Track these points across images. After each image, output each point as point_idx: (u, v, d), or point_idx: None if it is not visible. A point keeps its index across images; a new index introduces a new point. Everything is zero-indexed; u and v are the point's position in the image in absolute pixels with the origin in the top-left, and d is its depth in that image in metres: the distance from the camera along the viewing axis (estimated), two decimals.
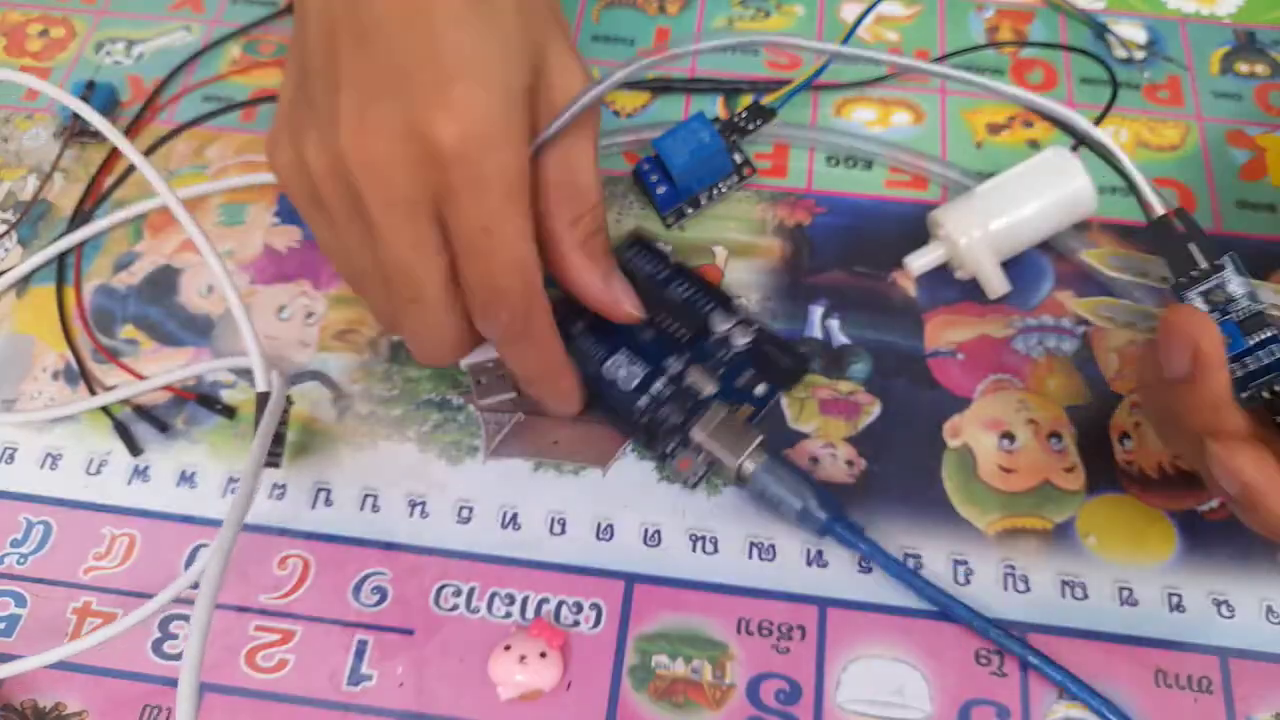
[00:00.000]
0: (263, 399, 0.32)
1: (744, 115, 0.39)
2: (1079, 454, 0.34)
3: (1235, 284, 0.23)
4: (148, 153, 0.40)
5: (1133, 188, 0.25)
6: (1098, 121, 0.41)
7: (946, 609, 0.30)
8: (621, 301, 0.32)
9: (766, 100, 0.39)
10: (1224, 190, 0.39)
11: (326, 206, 0.27)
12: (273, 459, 0.31)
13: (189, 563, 0.32)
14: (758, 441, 0.31)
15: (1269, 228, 0.38)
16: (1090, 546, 0.32)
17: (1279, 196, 0.38)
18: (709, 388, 0.33)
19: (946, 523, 0.32)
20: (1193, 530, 0.32)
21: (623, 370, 0.33)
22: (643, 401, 0.33)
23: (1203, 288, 0.23)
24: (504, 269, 0.27)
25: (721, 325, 0.34)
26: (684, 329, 0.34)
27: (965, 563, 0.32)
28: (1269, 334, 0.22)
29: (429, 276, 0.27)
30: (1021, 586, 0.31)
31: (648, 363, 0.33)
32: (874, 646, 0.31)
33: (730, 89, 0.41)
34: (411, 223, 0.26)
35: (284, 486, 0.34)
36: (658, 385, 0.33)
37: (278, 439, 0.32)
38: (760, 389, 0.34)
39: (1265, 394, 0.22)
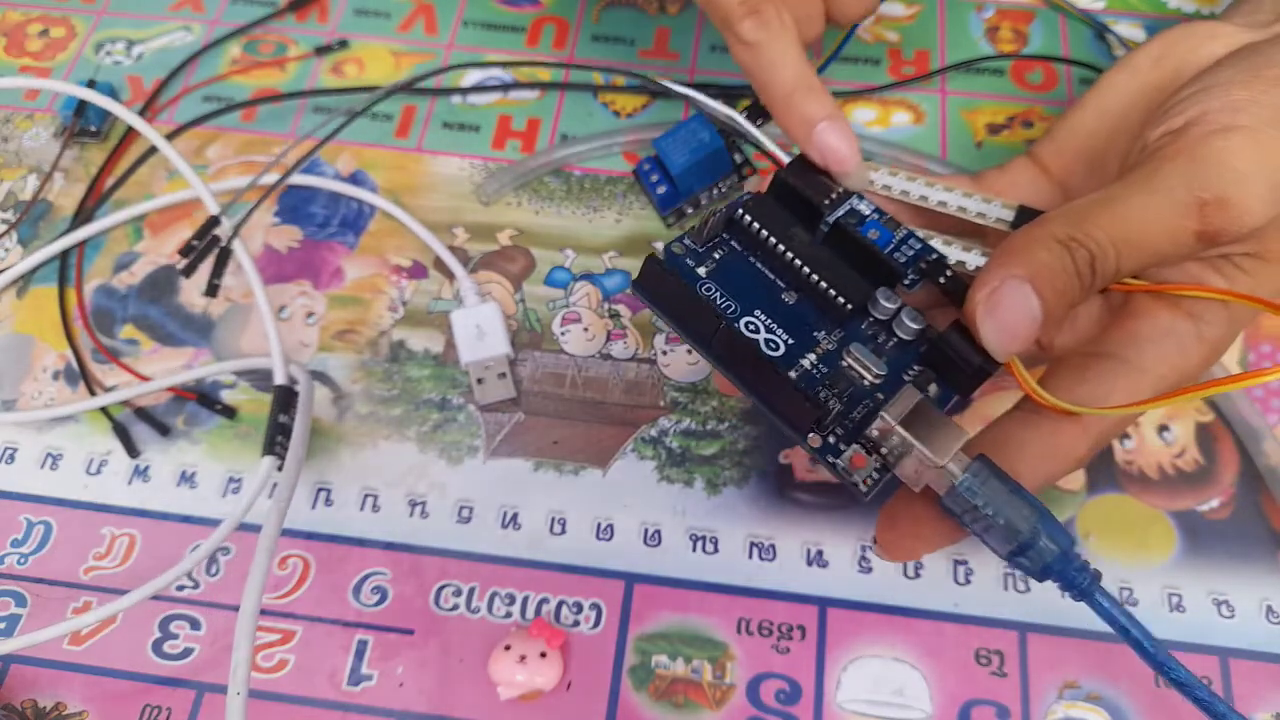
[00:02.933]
0: (281, 393, 0.32)
1: (744, 115, 0.39)
2: None
3: (863, 205, 0.28)
4: (149, 153, 0.40)
5: (761, 149, 0.31)
6: None
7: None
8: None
9: None
10: None
11: None
12: (281, 451, 0.31)
13: None
14: (965, 439, 0.23)
15: None
16: (1090, 546, 0.32)
17: None
18: (874, 373, 0.25)
19: None
20: (1193, 530, 0.32)
21: (762, 335, 0.25)
22: (792, 375, 0.25)
23: (840, 212, 0.28)
24: None
25: (887, 304, 0.26)
26: (844, 296, 0.26)
27: (965, 563, 0.32)
28: (905, 231, 0.28)
29: None
30: (1022, 586, 0.31)
31: (791, 332, 0.25)
32: (874, 646, 0.31)
33: (734, 94, 0.41)
34: None
35: None
36: (807, 361, 0.25)
37: (285, 433, 0.32)
38: (933, 390, 0.26)
39: (922, 267, 0.27)
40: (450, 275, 0.37)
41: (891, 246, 0.27)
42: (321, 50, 0.43)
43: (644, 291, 0.26)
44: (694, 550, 0.32)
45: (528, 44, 0.43)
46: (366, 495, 0.33)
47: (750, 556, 0.32)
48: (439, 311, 0.37)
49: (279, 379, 0.33)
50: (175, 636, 0.31)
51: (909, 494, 0.25)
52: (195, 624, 0.31)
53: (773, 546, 0.32)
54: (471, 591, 0.32)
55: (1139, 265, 0.24)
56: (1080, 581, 0.23)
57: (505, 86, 0.42)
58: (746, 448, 0.34)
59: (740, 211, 0.27)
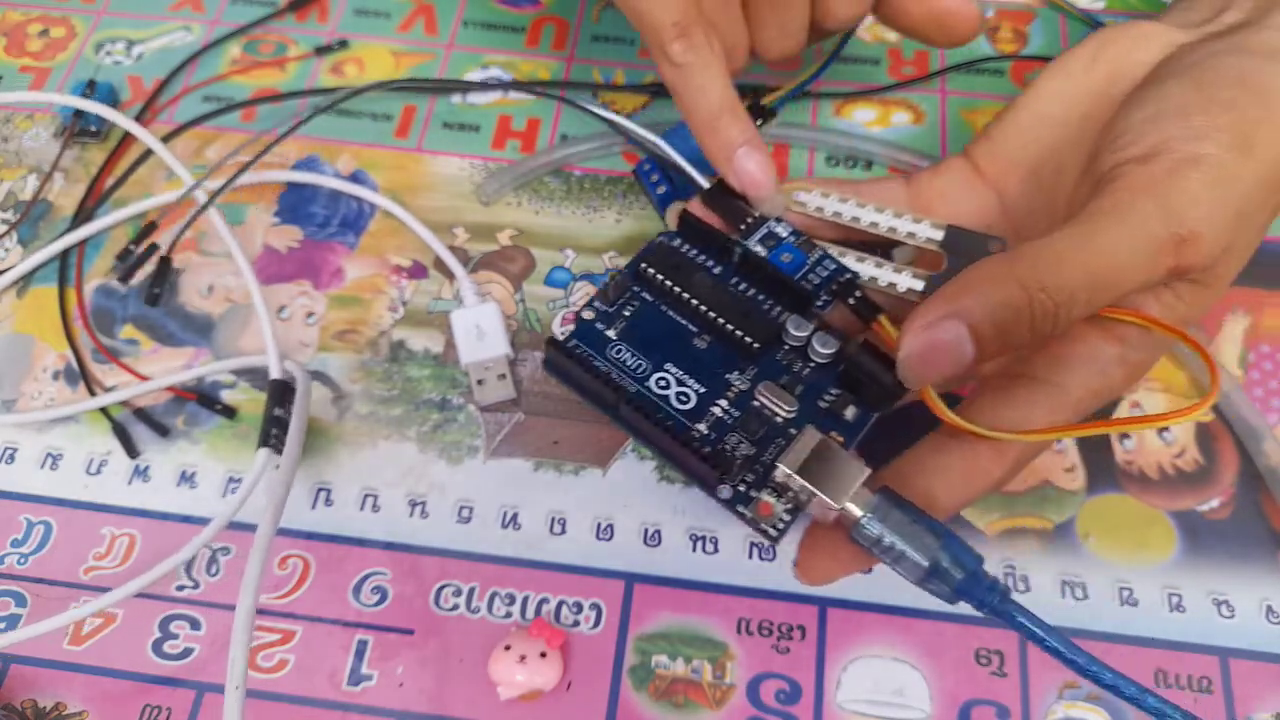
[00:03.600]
0: (276, 386, 0.32)
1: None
2: (1079, 453, 0.34)
3: (780, 227, 0.29)
4: (148, 153, 0.40)
5: (684, 173, 0.32)
6: None
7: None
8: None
9: (766, 100, 0.39)
10: None
11: None
12: (277, 444, 0.32)
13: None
14: (865, 476, 0.24)
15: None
16: (1090, 546, 0.32)
17: None
18: (785, 410, 0.26)
19: (946, 523, 0.32)
20: (1193, 530, 0.32)
21: (672, 390, 0.26)
22: (701, 427, 0.25)
23: (759, 235, 0.29)
24: None
25: (797, 332, 0.26)
26: (750, 336, 0.26)
27: None
28: (819, 253, 0.28)
29: None
30: (1022, 586, 0.31)
31: (703, 379, 0.26)
32: (874, 646, 0.31)
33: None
34: None
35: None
36: (719, 407, 0.26)
37: (281, 426, 0.32)
38: (850, 412, 0.26)
39: (834, 288, 0.28)
40: (450, 275, 0.37)
41: (805, 269, 0.28)
42: (321, 50, 0.43)
43: (552, 372, 0.27)
44: (694, 550, 0.32)
45: (528, 44, 0.43)
46: (366, 495, 0.33)
47: (750, 556, 0.32)
48: (439, 311, 0.37)
49: (274, 373, 0.33)
50: (175, 636, 0.31)
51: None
52: (195, 624, 0.31)
53: (773, 546, 0.32)
54: (471, 591, 0.32)
55: (1108, 302, 0.24)
56: (991, 600, 0.24)
57: (505, 86, 0.42)
58: None
59: (643, 265, 0.27)
